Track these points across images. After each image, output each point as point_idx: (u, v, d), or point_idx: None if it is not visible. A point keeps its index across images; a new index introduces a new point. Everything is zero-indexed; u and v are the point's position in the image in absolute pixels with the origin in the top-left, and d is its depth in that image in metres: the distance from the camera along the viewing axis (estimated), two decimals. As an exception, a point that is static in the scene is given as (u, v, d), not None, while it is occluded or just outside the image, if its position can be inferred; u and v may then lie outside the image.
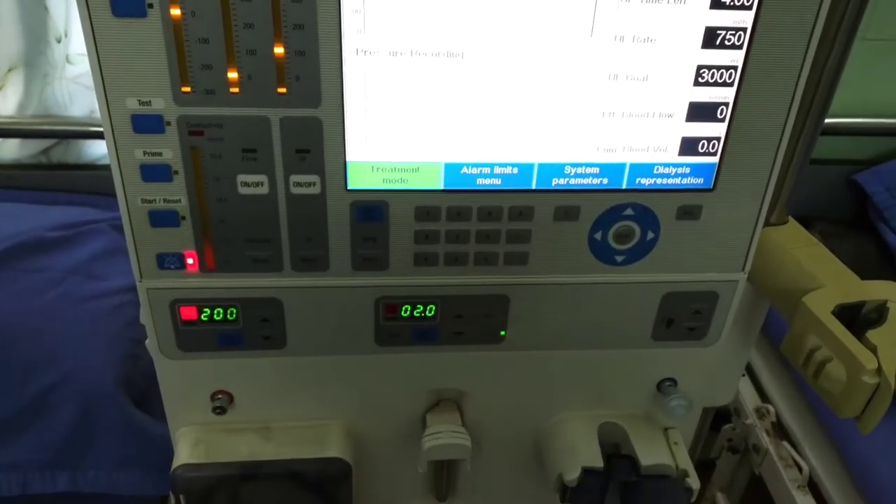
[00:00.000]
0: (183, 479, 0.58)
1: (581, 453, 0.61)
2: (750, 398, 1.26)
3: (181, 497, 0.58)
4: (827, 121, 0.60)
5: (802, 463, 1.13)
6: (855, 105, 1.24)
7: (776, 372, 1.30)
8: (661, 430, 0.64)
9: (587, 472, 0.59)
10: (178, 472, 0.58)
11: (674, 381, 0.63)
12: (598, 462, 0.60)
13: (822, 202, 1.34)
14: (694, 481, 0.61)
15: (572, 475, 0.59)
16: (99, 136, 1.17)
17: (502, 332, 0.58)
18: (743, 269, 0.57)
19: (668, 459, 0.61)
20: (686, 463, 0.62)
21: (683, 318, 0.59)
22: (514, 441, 0.65)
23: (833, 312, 0.55)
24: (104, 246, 1.08)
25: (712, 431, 1.28)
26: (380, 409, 0.62)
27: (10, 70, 1.16)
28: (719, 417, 1.16)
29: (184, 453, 0.59)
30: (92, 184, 1.23)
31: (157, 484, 0.96)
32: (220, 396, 0.59)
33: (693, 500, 0.62)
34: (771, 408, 1.22)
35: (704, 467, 1.36)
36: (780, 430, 1.21)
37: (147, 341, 0.57)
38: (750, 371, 1.31)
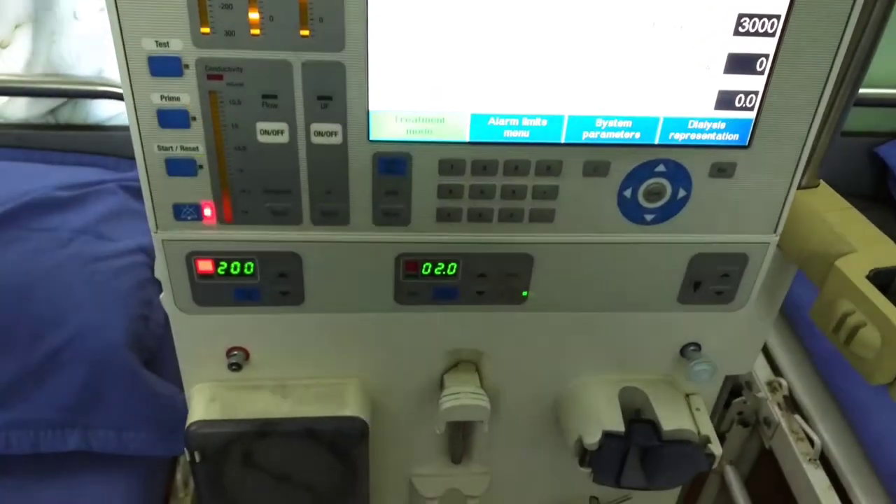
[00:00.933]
0: (197, 436, 0.57)
1: (602, 417, 0.59)
2: (762, 372, 1.25)
3: (195, 454, 0.57)
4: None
5: (814, 436, 1.12)
6: (880, 76, 1.21)
7: (789, 346, 1.29)
8: (683, 396, 0.63)
9: (608, 436, 0.58)
10: (193, 428, 0.57)
11: (698, 346, 0.61)
12: (619, 426, 0.59)
13: (843, 174, 1.32)
14: (716, 447, 0.60)
15: (593, 439, 0.58)
16: (107, 95, 1.15)
17: (525, 293, 0.57)
18: (775, 230, 0.55)
19: (690, 425, 0.60)
20: (708, 429, 0.61)
21: (711, 281, 0.57)
22: (532, 404, 0.64)
23: (867, 277, 0.54)
24: (113, 206, 1.07)
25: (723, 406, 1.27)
26: (398, 369, 0.61)
27: (16, 27, 1.13)
28: (729, 393, 1.15)
29: (198, 410, 0.58)
30: (100, 144, 1.21)
31: (167, 445, 0.95)
32: (235, 353, 0.58)
33: (714, 466, 0.61)
34: (783, 381, 1.21)
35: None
36: (791, 404, 1.20)
37: (162, 295, 0.56)
38: (763, 345, 1.29)
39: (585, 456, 0.59)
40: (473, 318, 0.58)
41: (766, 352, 1.29)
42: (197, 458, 0.58)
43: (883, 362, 0.52)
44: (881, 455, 1.04)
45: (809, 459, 1.12)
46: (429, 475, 0.68)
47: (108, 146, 1.20)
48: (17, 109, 1.20)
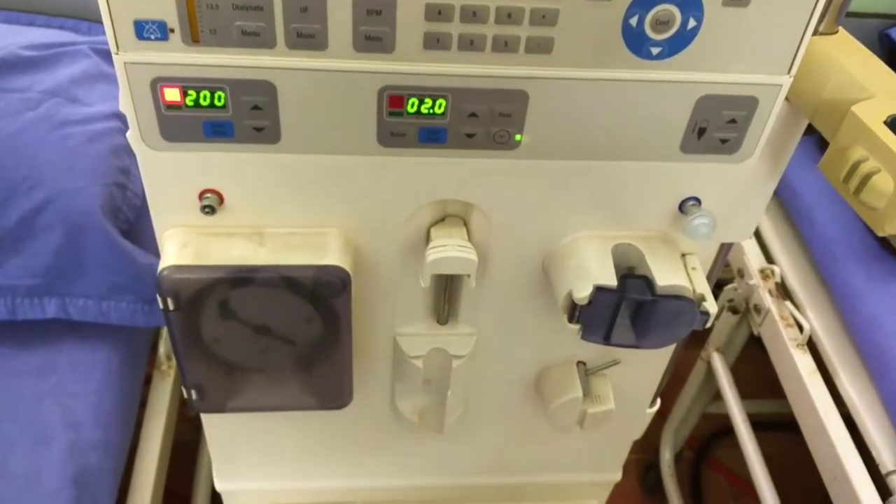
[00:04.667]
0: (170, 281, 0.54)
1: (594, 272, 0.57)
2: (755, 259, 1.24)
3: (168, 301, 0.55)
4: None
5: (804, 322, 1.12)
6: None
7: (783, 234, 1.27)
8: (678, 255, 0.61)
9: (599, 290, 0.56)
10: (165, 273, 0.54)
11: (698, 201, 0.58)
12: (611, 280, 0.56)
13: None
14: (711, 305, 0.58)
15: (583, 293, 0.56)
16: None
17: (518, 137, 0.53)
18: (789, 71, 0.51)
19: (685, 282, 0.58)
20: (703, 287, 0.59)
21: (717, 126, 0.54)
22: (521, 262, 0.62)
23: (885, 123, 0.50)
24: (85, 69, 1.01)
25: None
26: (381, 221, 0.58)
27: None
28: (717, 287, 1.13)
29: (170, 255, 0.55)
30: (73, 8, 1.14)
31: (147, 315, 0.93)
32: (208, 195, 0.54)
33: (708, 325, 0.59)
34: (776, 268, 1.20)
35: (701, 335, 1.36)
36: (783, 291, 1.19)
37: (129, 133, 0.52)
38: (756, 232, 1.28)
39: (575, 311, 0.57)
40: (462, 166, 0.55)
41: (760, 239, 1.28)
42: (170, 306, 0.55)
43: (894, 211, 0.49)
44: (868, 340, 1.03)
45: (797, 345, 1.12)
46: (414, 334, 0.66)
47: (82, 10, 1.12)
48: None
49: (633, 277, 0.57)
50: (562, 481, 0.83)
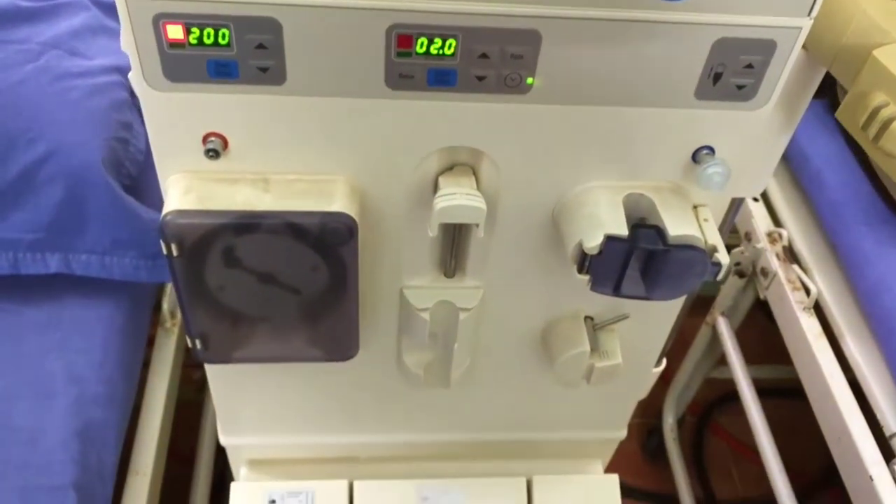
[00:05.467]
0: (173, 226, 0.53)
1: (604, 221, 0.56)
2: (762, 223, 1.23)
3: (172, 246, 0.54)
4: None
5: (811, 285, 1.12)
6: None
7: (791, 197, 1.26)
8: (691, 206, 0.60)
9: (610, 239, 0.55)
10: (169, 218, 0.53)
11: (711, 151, 0.57)
12: (622, 230, 0.55)
13: None
14: (723, 256, 0.57)
15: (594, 242, 0.55)
16: None
17: (529, 80, 0.52)
18: (809, 13, 0.50)
19: (697, 232, 0.57)
20: (715, 239, 0.58)
21: (733, 72, 0.52)
22: (531, 213, 0.61)
23: (906, 66, 0.49)
24: (86, 21, 0.99)
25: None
26: (389, 167, 0.57)
27: None
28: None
29: (174, 200, 0.54)
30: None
31: (150, 271, 0.93)
32: (212, 139, 0.53)
33: (720, 276, 0.58)
34: (784, 232, 1.19)
35: (705, 300, 1.35)
36: (790, 255, 1.18)
37: (130, 74, 0.51)
38: (764, 196, 1.27)
39: (585, 262, 0.56)
40: (472, 111, 0.53)
41: (768, 203, 1.27)
42: (174, 252, 0.54)
43: (914, 157, 0.48)
44: (875, 304, 1.03)
45: (804, 308, 1.12)
46: (420, 287, 0.66)
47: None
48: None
49: (644, 227, 0.57)
50: (567, 438, 0.83)
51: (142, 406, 0.95)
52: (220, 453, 0.89)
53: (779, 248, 1.18)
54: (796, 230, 1.21)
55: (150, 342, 1.02)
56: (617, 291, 0.58)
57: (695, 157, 0.58)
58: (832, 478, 1.54)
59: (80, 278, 0.91)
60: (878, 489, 0.93)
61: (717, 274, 0.58)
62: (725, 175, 0.56)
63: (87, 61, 0.95)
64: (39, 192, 0.87)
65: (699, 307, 1.35)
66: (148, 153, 0.56)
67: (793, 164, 1.23)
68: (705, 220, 0.59)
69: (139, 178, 0.96)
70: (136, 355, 0.95)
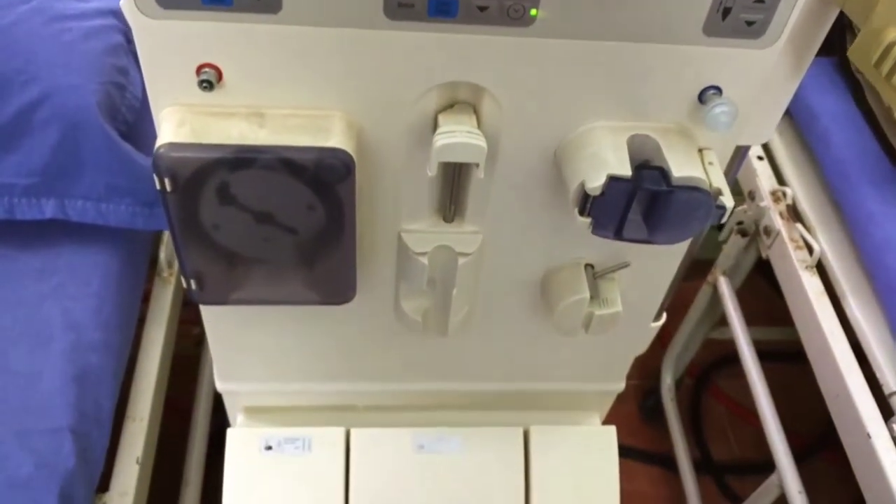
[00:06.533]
0: (167, 160, 0.52)
1: (608, 161, 0.55)
2: (766, 181, 1.22)
3: (165, 181, 0.53)
4: None
5: (814, 243, 1.11)
6: None
7: (796, 156, 1.25)
8: (696, 149, 0.58)
9: (613, 179, 0.54)
10: (162, 151, 0.52)
11: (719, 91, 0.56)
12: (625, 170, 0.54)
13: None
14: (727, 200, 0.56)
15: (596, 182, 0.54)
16: None
17: (533, 11, 0.50)
18: (823, -56, 0.48)
19: (702, 174, 0.55)
20: (720, 182, 0.57)
21: (743, 6, 0.51)
22: (532, 154, 0.60)
23: (923, 0, 0.47)
24: (79, -38, 0.97)
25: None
26: (387, 103, 0.55)
27: None
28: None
29: (167, 133, 0.52)
30: None
31: (147, 218, 0.92)
32: (206, 70, 0.52)
33: (725, 219, 0.57)
34: (788, 191, 1.18)
35: (705, 264, 1.35)
36: (794, 214, 1.17)
37: (122, 1, 0.49)
38: (768, 155, 1.26)
39: (586, 203, 0.55)
40: (474, 43, 0.52)
41: (772, 162, 1.26)
42: (167, 187, 0.53)
43: (927, 95, 0.46)
44: (879, 264, 1.02)
45: (806, 266, 1.11)
46: (419, 231, 0.65)
47: None
48: None
49: (648, 168, 0.55)
50: (564, 389, 0.83)
51: (139, 353, 0.95)
52: (219, 407, 0.89)
53: (782, 206, 1.17)
54: (800, 189, 1.19)
55: (147, 297, 1.02)
56: (619, 235, 0.57)
57: (701, 97, 0.56)
58: (826, 441, 1.55)
59: (76, 225, 0.91)
60: (875, 447, 0.93)
61: (720, 217, 0.57)
62: (732, 115, 0.55)
63: (82, 3, 0.94)
64: (34, 135, 0.86)
65: (699, 271, 1.35)
66: (144, 100, 0.55)
67: (799, 121, 1.21)
68: (710, 163, 0.58)
69: (136, 126, 0.95)
70: (132, 303, 0.95)
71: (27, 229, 0.91)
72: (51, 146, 0.86)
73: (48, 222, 0.90)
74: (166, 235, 1.05)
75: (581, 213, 0.56)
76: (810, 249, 1.11)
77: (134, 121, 0.95)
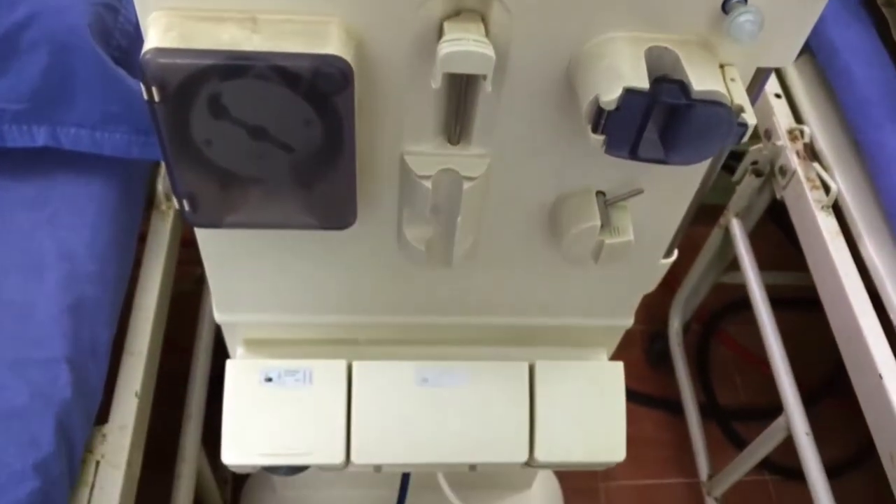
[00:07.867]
0: (154, 66, 0.49)
1: (624, 73, 0.51)
2: (784, 120, 1.18)
3: (153, 90, 0.50)
4: None
5: (831, 183, 1.07)
6: None
7: (815, 94, 1.21)
8: (717, 64, 0.55)
9: (629, 92, 0.50)
10: (148, 57, 0.48)
11: (743, 0, 0.52)
12: (643, 83, 0.51)
13: None
14: (750, 117, 0.53)
15: (612, 95, 0.50)
16: None
17: None
18: None
19: (724, 89, 0.52)
20: (742, 98, 0.53)
21: None
22: (544, 67, 0.56)
23: None
24: None
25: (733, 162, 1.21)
26: (388, 7, 0.52)
27: None
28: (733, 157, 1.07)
29: (154, 38, 0.49)
30: None
31: (143, 148, 0.89)
32: (195, -32, 0.48)
33: (746, 138, 0.54)
34: (806, 129, 1.14)
35: (717, 209, 1.31)
36: (811, 153, 1.13)
37: None
38: (786, 92, 1.22)
39: (601, 119, 0.52)
40: (481, -58, 0.48)
41: (790, 99, 1.21)
42: (156, 97, 0.50)
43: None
44: (896, 206, 0.99)
45: (822, 206, 1.08)
46: (423, 153, 0.62)
47: None
48: None
49: (666, 81, 0.52)
50: (572, 324, 0.81)
51: (137, 286, 0.93)
52: (221, 351, 0.87)
53: (799, 145, 1.13)
54: (818, 127, 1.16)
55: (144, 237, 0.99)
56: (634, 154, 0.54)
57: (725, 6, 0.53)
58: (831, 389, 1.54)
59: (70, 154, 0.88)
60: (887, 387, 0.91)
61: (741, 136, 0.53)
62: (758, 24, 0.51)
63: (70, -81, 0.89)
64: (23, 58, 0.83)
65: (711, 215, 1.31)
66: (138, 26, 0.52)
67: (820, 57, 1.16)
68: (732, 79, 0.55)
69: (130, 52, 0.91)
70: (129, 235, 0.92)
71: (20, 158, 0.88)
72: (40, 69, 0.83)
73: (41, 151, 0.87)
74: (163, 168, 1.02)
75: (594, 130, 0.53)
76: (827, 189, 1.08)
77: (128, 46, 0.91)
